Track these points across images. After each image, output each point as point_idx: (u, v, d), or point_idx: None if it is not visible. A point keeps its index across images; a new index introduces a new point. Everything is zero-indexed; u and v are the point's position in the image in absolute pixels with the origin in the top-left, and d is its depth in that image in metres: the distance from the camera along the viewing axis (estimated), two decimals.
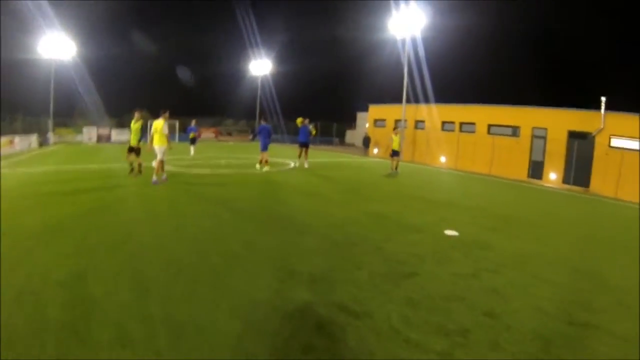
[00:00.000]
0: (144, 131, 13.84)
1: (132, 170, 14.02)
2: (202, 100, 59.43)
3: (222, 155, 23.61)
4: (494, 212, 11.10)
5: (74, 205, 9.11)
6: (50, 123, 33.92)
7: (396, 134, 20.83)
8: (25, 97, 35.14)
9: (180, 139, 41.57)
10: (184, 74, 56.07)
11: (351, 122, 50.50)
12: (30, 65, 35.34)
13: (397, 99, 32.69)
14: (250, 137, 19.45)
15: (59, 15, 34.63)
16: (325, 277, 5.46)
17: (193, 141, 23.49)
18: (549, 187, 21.09)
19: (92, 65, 42.53)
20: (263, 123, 18.90)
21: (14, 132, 27.72)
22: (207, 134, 44.83)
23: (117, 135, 38.66)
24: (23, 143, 26.47)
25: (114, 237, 6.69)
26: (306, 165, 19.95)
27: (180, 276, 5.24)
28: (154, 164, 12.76)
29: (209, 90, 66.49)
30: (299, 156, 20.32)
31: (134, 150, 13.77)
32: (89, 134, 37.04)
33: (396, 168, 20.24)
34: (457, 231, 8.20)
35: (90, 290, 4.66)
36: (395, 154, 20.32)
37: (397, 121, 31.87)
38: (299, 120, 20.26)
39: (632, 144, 20.59)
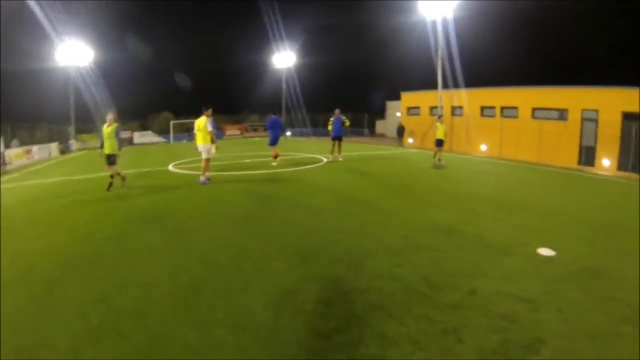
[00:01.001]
0: (119, 135, 12.08)
1: (111, 184, 11.88)
2: (225, 97, 58.46)
3: (246, 154, 22.10)
4: (577, 216, 9.06)
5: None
6: (71, 130, 33.73)
7: (442, 122, 19.22)
8: (48, 106, 35.59)
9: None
10: (182, 80, 55.40)
11: (380, 112, 48.61)
12: (48, 73, 35.44)
13: (427, 86, 30.90)
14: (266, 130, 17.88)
15: (74, 21, 34.61)
16: None
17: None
18: (603, 175, 18.95)
19: (110, 68, 42.31)
20: (273, 116, 17.67)
21: (36, 142, 28.02)
22: (233, 131, 43.85)
23: (139, 138, 39.73)
24: (42, 152, 26.70)
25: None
26: (340, 159, 18.66)
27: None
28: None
29: (232, 86, 65.60)
30: (332, 151, 18.97)
31: (111, 159, 11.98)
32: None
33: (439, 159, 18.72)
34: (551, 248, 6.37)
35: None
36: (439, 143, 18.73)
37: (432, 108, 30.07)
38: (337, 112, 18.81)
39: None
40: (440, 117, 20.16)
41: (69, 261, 6.02)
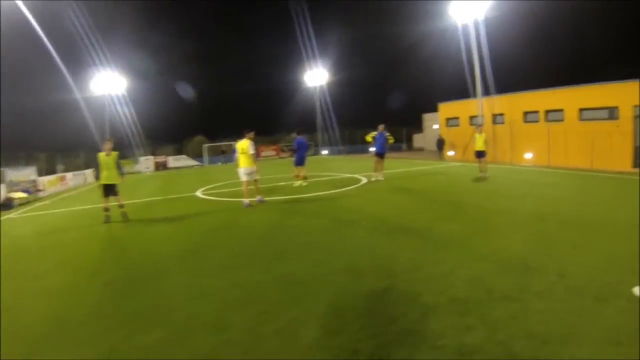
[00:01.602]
0: (119, 164, 11.55)
1: (107, 217, 11.38)
2: (260, 117, 58.39)
3: (280, 176, 21.09)
4: None
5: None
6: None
7: (480, 132, 18.12)
8: (86, 134, 36.37)
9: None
10: (184, 91, 55.53)
11: (417, 125, 47.22)
12: (86, 102, 36.76)
13: (464, 94, 29.50)
14: (290, 154, 17.66)
15: (108, 51, 35.47)
16: None
17: None
18: None
19: (141, 94, 42.96)
20: (298, 137, 17.08)
21: (73, 169, 29.54)
22: (268, 152, 43.47)
23: (174, 162, 40.35)
24: (77, 179, 27.58)
25: None
26: (381, 178, 17.34)
27: None
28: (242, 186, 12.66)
29: (266, 106, 65.59)
30: (375, 169, 17.68)
31: (111, 190, 11.42)
32: (146, 163, 38.30)
33: (485, 171, 17.71)
34: None
35: None
36: (480, 154, 17.78)
37: (471, 118, 28.65)
38: (381, 127, 17.43)
39: None
40: (479, 126, 18.96)
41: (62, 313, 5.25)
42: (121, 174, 11.61)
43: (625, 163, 20.17)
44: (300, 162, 16.66)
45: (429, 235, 8.15)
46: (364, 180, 17.43)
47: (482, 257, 6.50)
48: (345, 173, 20.83)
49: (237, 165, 12.54)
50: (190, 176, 27.15)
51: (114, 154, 11.41)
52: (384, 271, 6.16)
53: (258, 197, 12.72)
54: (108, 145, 11.41)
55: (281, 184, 17.56)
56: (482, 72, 26.44)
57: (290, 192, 15.07)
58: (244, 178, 12.42)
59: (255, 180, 12.61)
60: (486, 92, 27.11)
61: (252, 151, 12.20)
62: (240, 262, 7.15)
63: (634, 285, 5.00)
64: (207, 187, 18.17)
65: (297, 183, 16.72)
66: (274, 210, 11.88)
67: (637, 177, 15.18)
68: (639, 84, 19.23)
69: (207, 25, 72.17)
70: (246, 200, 12.39)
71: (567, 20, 43.72)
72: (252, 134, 12.42)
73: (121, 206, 11.69)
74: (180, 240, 9.14)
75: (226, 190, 16.79)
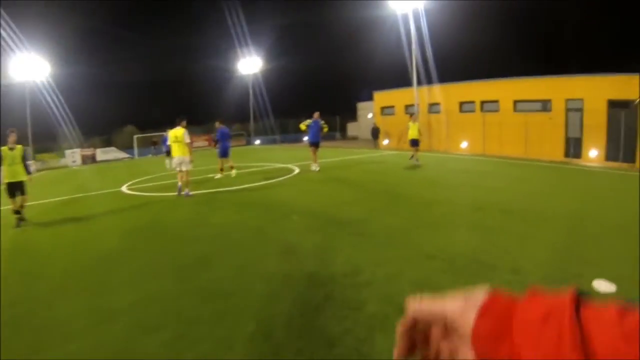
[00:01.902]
0: (26, 159, 9.95)
1: (19, 220, 9.58)
2: (190, 106, 55.96)
3: (211, 167, 19.69)
4: (604, 222, 7.35)
5: None
6: (29, 150, 30.92)
7: (414, 120, 17.81)
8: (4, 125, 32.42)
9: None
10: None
11: (351, 114, 46.82)
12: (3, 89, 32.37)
13: (400, 84, 29.24)
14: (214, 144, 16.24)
15: (28, 36, 31.88)
16: None
17: (169, 153, 19.39)
18: (593, 166, 17.56)
19: (67, 82, 39.60)
20: (221, 126, 15.79)
21: None
22: (200, 142, 41.57)
23: (102, 154, 37.34)
24: None
25: None
26: (316, 168, 16.29)
27: None
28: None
29: (197, 95, 63.16)
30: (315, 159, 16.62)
31: (18, 188, 9.63)
32: (73, 156, 35.09)
33: (417, 159, 17.42)
34: (608, 279, 4.56)
35: None
36: (414, 143, 17.52)
37: (407, 107, 28.41)
38: (316, 115, 16.35)
39: None
40: (412, 115, 18.62)
41: None
42: (28, 172, 9.88)
43: (558, 152, 20.87)
44: (224, 154, 15.49)
45: (367, 231, 7.33)
46: (297, 170, 16.46)
47: (430, 255, 5.77)
48: (277, 163, 19.71)
49: (168, 155, 11.55)
50: (119, 169, 25.00)
51: (19, 147, 9.70)
52: (320, 277, 5.25)
53: (186, 191, 11.79)
54: (12, 137, 9.62)
55: (210, 175, 16.15)
56: (425, 61, 26.29)
57: (219, 185, 13.83)
58: (178, 168, 11.74)
59: (187, 171, 11.76)
60: (426, 81, 26.98)
61: (187, 140, 11.60)
62: (158, 271, 5.91)
63: (592, 279, 4.63)
64: (134, 181, 16.53)
65: (219, 175, 15.58)
66: (199, 205, 10.67)
67: (570, 166, 15.27)
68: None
69: (134, 10, 67.94)
70: (187, 192, 11.78)
71: (505, 14, 44.54)
72: (184, 122, 11.75)
73: (18, 212, 9.68)
74: (90, 246, 7.62)
75: (153, 184, 15.32)
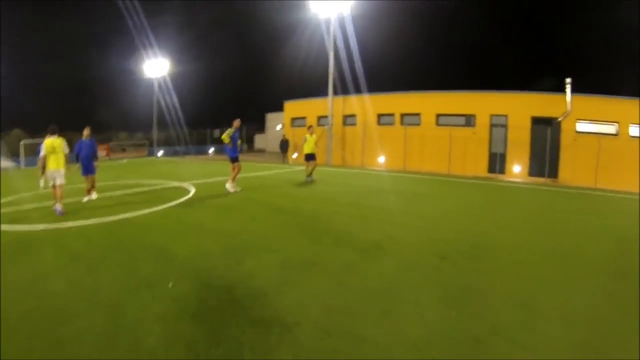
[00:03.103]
0: None
1: None
2: (87, 111, 49.64)
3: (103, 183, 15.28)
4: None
5: None
6: None
7: (311, 133, 15.42)
8: None
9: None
10: None
11: (259, 125, 43.66)
12: None
13: (315, 94, 26.65)
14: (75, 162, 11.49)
15: None
16: None
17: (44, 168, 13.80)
18: (519, 182, 16.17)
19: None
20: (86, 137, 11.74)
21: None
22: (99, 152, 35.92)
23: None
24: None
25: None
26: (233, 189, 12.42)
27: None
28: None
29: (95, 99, 56.67)
30: (234, 178, 12.68)
31: None
32: None
33: (311, 174, 15.27)
34: None
35: None
36: (310, 157, 15.19)
37: (320, 118, 25.80)
38: (236, 123, 12.52)
39: (600, 128, 18.01)
40: (309, 127, 15.89)
41: None
42: None
43: (481, 168, 19.81)
44: (88, 170, 11.51)
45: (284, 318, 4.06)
46: (192, 192, 12.73)
47: None
48: (172, 180, 15.71)
49: (42, 168, 9.67)
50: None
51: None
52: None
53: (59, 207, 9.55)
54: None
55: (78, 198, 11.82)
56: (352, 71, 23.73)
57: (81, 212, 9.77)
58: (54, 182, 9.74)
59: (60, 185, 9.76)
60: (341, 91, 24.43)
61: (66, 150, 10.03)
62: None
63: None
64: None
65: (88, 197, 11.30)
66: (51, 252, 6.24)
67: (500, 183, 13.28)
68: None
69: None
70: (58, 207, 9.47)
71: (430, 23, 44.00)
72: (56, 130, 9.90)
73: None
74: None
75: (16, 209, 10.72)
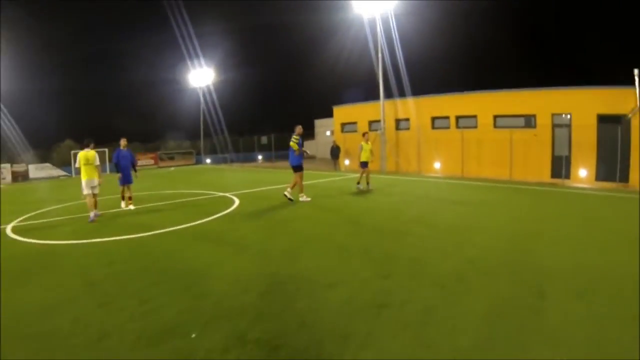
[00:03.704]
0: None
1: None
2: (136, 122, 50.94)
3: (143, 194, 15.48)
4: None
5: None
6: None
7: (367, 140, 14.99)
8: None
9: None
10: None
11: (308, 132, 43.49)
12: None
13: (363, 98, 26.13)
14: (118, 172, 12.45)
15: None
16: None
17: None
18: (590, 188, 14.95)
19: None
20: (123, 147, 12.79)
21: None
22: (145, 160, 37.01)
23: (35, 171, 32.20)
24: None
25: None
26: (305, 199, 12.31)
27: None
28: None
29: (144, 110, 58.18)
30: (299, 189, 12.49)
31: None
32: (3, 173, 30.28)
33: (367, 183, 14.94)
34: None
35: None
36: (364, 165, 14.87)
37: (371, 122, 25.23)
38: (298, 129, 12.40)
39: None
40: (364, 134, 15.34)
41: None
42: None
43: (544, 173, 18.55)
44: (127, 180, 12.65)
45: None
46: (236, 203, 12.28)
47: None
48: (217, 191, 15.51)
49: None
50: (41, 192, 20.24)
51: None
52: None
53: (94, 212, 10.75)
54: None
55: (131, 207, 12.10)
56: (395, 73, 23.10)
57: (125, 225, 9.77)
58: (86, 191, 10.79)
59: (95, 195, 10.93)
60: (393, 94, 23.80)
61: (97, 162, 10.97)
62: None
63: None
64: (37, 212, 12.30)
65: (128, 205, 12.60)
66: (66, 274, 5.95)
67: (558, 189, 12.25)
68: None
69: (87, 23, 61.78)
70: (92, 214, 10.60)
71: (483, 22, 42.31)
72: (93, 144, 11.03)
73: None
74: None
75: (49, 220, 11.11)
